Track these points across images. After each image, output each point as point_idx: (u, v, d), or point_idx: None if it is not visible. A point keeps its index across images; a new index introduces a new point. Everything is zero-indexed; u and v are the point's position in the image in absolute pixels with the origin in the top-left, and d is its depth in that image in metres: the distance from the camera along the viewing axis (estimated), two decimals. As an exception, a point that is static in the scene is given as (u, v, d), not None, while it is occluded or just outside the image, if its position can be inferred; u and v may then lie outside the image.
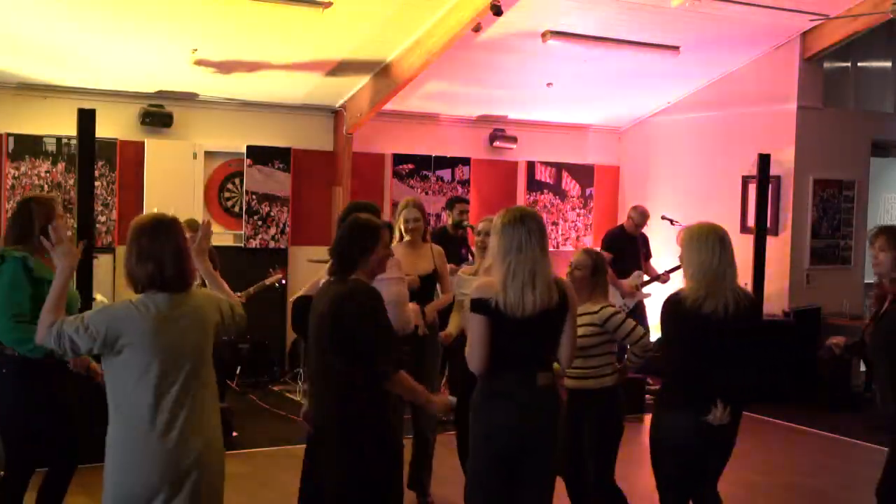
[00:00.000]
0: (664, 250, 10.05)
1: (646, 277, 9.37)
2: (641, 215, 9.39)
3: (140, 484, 3.21)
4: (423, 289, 5.54)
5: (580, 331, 4.50)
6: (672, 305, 4.15)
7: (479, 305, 3.68)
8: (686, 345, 4.12)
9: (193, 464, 3.25)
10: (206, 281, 3.74)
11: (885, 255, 4.42)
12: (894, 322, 4.36)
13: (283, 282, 8.11)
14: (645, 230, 9.66)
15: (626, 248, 9.21)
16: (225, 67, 8.47)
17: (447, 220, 8.37)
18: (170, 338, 3.26)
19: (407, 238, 5.58)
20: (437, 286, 5.82)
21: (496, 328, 3.66)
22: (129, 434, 3.24)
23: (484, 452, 3.77)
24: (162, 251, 3.29)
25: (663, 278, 9.39)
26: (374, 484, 3.75)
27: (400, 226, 5.59)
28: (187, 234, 3.50)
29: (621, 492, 4.81)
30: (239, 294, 7.72)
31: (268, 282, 7.97)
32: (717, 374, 4.08)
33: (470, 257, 7.47)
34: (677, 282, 9.56)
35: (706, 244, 4.09)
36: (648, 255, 9.63)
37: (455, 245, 7.71)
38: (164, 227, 3.36)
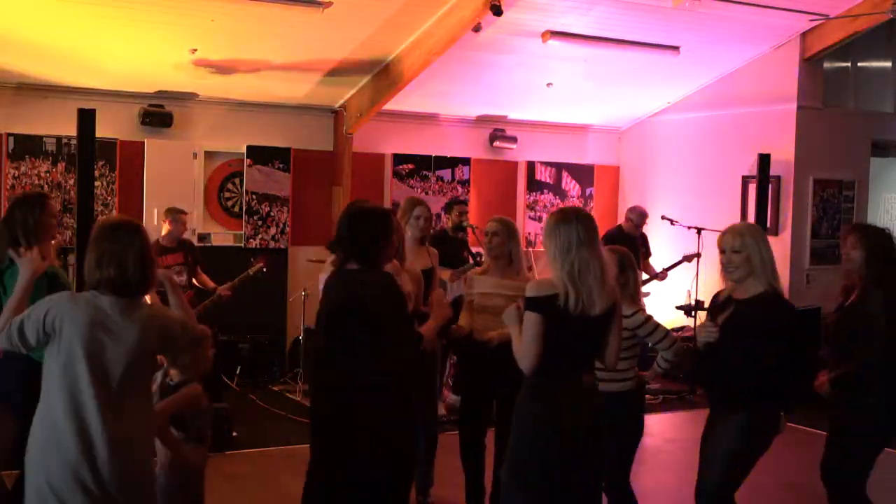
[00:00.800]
0: (664, 250, 10.06)
1: (644, 276, 9.37)
2: (640, 216, 9.40)
3: (48, 481, 3.17)
4: (425, 285, 5.52)
5: None
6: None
7: (536, 304, 3.64)
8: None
9: (103, 482, 3.14)
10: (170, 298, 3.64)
11: (858, 252, 4.62)
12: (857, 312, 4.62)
13: (265, 270, 8.07)
14: (644, 230, 9.67)
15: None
16: (225, 67, 8.47)
17: (446, 222, 8.38)
18: (101, 343, 3.17)
19: (415, 235, 5.58)
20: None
21: (553, 327, 3.62)
22: (45, 431, 3.19)
23: (530, 458, 3.71)
24: (125, 254, 3.22)
25: (661, 276, 9.40)
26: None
27: (410, 223, 5.57)
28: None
29: (634, 495, 4.79)
30: (223, 287, 7.75)
31: (251, 271, 7.93)
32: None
33: (470, 259, 7.46)
34: (679, 280, 9.61)
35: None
36: (648, 254, 9.64)
37: (455, 247, 7.70)
38: (127, 230, 3.31)
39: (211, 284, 7.82)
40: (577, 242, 3.64)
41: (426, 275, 5.52)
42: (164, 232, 7.71)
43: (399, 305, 3.95)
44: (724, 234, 4.14)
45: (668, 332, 4.72)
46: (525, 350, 3.66)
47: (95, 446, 3.12)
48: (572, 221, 3.68)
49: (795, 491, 6.45)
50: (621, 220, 10.11)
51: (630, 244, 9.21)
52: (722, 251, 4.13)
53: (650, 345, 4.75)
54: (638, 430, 4.78)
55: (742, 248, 4.02)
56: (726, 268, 4.11)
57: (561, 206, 11.07)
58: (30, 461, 3.22)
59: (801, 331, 4.05)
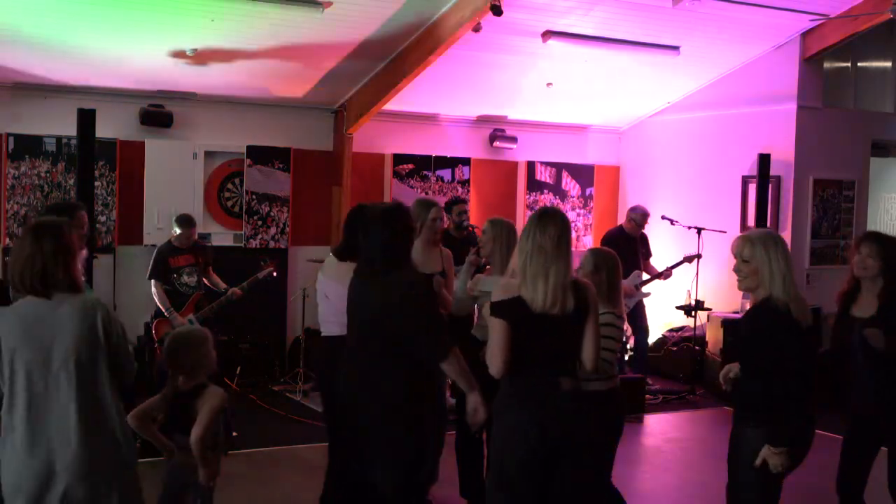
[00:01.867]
0: (664, 250, 10.06)
1: (645, 276, 9.37)
2: (642, 216, 9.39)
3: (9, 483, 3.26)
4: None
5: None
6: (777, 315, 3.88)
7: (497, 308, 3.68)
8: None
9: (53, 473, 3.24)
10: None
11: (874, 262, 4.63)
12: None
13: (274, 274, 8.10)
14: (646, 230, 9.67)
15: (625, 249, 9.21)
16: (224, 67, 8.47)
17: (447, 222, 8.36)
18: (36, 343, 3.26)
19: (429, 238, 5.58)
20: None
21: (516, 329, 3.64)
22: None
23: (507, 460, 3.71)
24: (41, 253, 3.31)
25: (665, 274, 9.39)
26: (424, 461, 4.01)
27: (427, 226, 5.57)
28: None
29: (619, 491, 4.81)
30: (234, 289, 7.76)
31: (260, 275, 7.96)
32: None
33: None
34: (679, 280, 9.61)
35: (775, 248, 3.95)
36: (648, 255, 9.64)
37: (460, 246, 7.70)
38: (47, 228, 3.40)
39: (223, 285, 7.84)
40: (531, 241, 3.68)
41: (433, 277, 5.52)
42: (175, 234, 7.72)
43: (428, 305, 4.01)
44: (738, 239, 4.04)
45: (612, 351, 4.66)
46: (492, 356, 3.68)
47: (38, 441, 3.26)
48: (535, 221, 3.73)
49: (798, 491, 6.46)
50: (621, 219, 10.12)
51: (630, 244, 9.24)
52: (735, 257, 4.04)
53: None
54: (619, 428, 4.77)
55: (751, 258, 3.89)
56: (737, 275, 4.01)
57: (561, 206, 11.08)
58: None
59: (802, 339, 3.86)
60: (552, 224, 3.71)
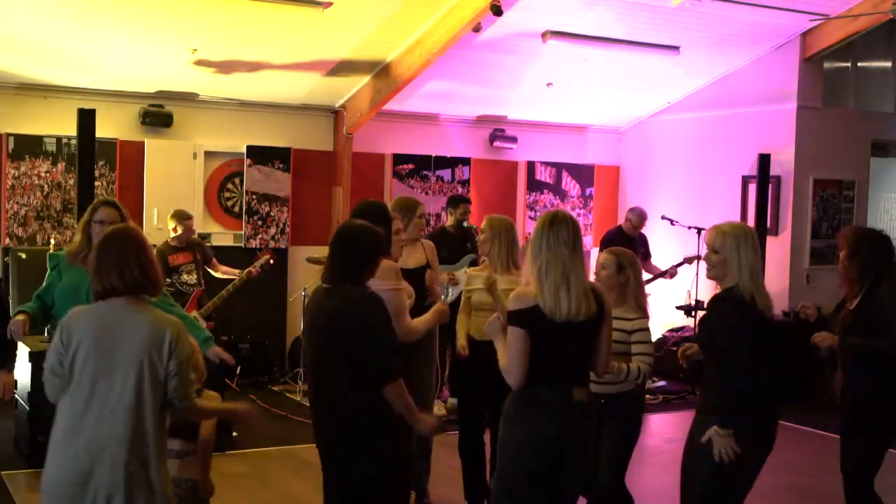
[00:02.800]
0: (664, 250, 10.05)
1: (646, 276, 9.36)
2: (639, 217, 9.40)
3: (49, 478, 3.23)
4: (418, 283, 5.52)
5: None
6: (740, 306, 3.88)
7: (518, 317, 3.60)
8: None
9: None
10: None
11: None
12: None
13: (272, 262, 8.05)
14: (645, 230, 9.67)
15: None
16: (225, 67, 8.47)
17: (447, 219, 8.37)
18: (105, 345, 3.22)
19: (415, 235, 5.59)
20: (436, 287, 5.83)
21: (537, 339, 3.58)
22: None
23: (516, 467, 3.67)
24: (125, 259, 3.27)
25: (671, 272, 9.38)
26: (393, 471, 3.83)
27: (413, 223, 5.57)
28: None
29: (631, 495, 4.79)
30: (251, 268, 7.72)
31: (256, 264, 7.92)
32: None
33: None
34: (679, 280, 9.61)
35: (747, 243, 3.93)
36: (647, 255, 9.63)
37: (455, 244, 7.71)
38: (118, 238, 3.35)
39: (234, 271, 7.82)
40: (546, 247, 3.61)
41: (421, 271, 5.53)
42: (173, 233, 7.71)
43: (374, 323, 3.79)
44: (710, 229, 4.06)
45: (651, 356, 4.67)
46: (511, 366, 3.62)
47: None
48: (546, 226, 3.66)
49: (797, 491, 6.46)
50: (621, 219, 10.12)
51: (629, 245, 9.22)
52: (707, 246, 4.06)
53: (632, 351, 4.63)
54: (636, 432, 4.76)
55: (721, 248, 3.90)
56: (707, 264, 4.02)
57: (561, 206, 11.09)
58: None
59: (768, 330, 3.86)
60: (564, 229, 3.65)
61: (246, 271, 7.68)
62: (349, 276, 3.81)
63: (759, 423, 3.87)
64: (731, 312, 3.83)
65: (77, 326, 3.22)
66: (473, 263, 5.61)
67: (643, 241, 9.61)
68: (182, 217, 7.72)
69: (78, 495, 3.11)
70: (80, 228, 4.50)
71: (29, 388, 6.34)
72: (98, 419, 3.14)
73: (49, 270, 4.56)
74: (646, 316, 4.72)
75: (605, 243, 9.32)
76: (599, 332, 3.71)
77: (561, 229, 3.64)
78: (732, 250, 3.87)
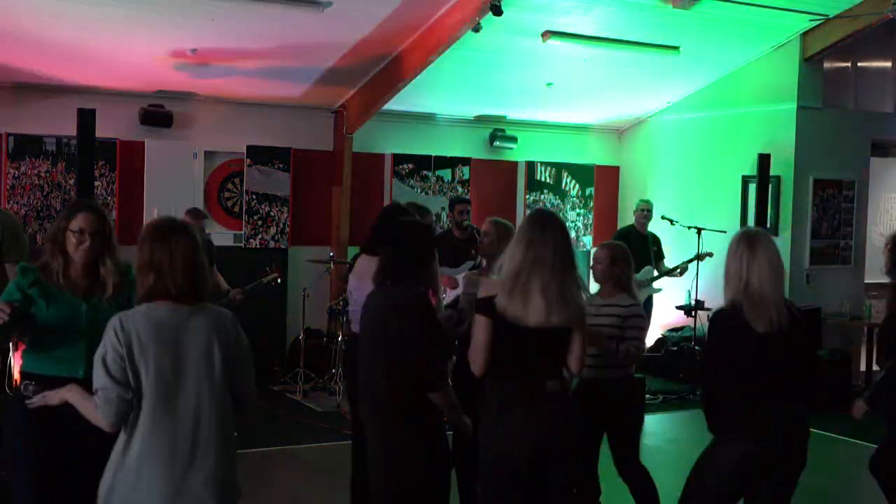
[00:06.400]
0: (664, 250, 10.05)
1: (655, 273, 9.36)
2: (641, 211, 9.37)
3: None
4: None
5: (604, 321, 4.61)
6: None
7: (482, 305, 3.58)
8: None
9: None
10: None
11: None
12: None
13: (279, 280, 8.09)
14: (654, 230, 9.62)
15: (637, 245, 9.17)
16: (225, 67, 8.46)
17: (448, 220, 8.38)
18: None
19: None
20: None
21: (500, 332, 3.54)
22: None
23: (495, 464, 3.65)
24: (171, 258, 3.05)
25: (682, 268, 9.37)
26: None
27: None
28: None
29: (648, 471, 4.88)
30: (236, 291, 7.73)
31: (264, 280, 7.95)
32: None
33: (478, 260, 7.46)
34: (679, 280, 9.61)
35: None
36: (660, 255, 9.56)
37: (456, 248, 7.69)
38: (186, 232, 3.13)
39: (224, 286, 7.80)
40: (528, 249, 3.54)
41: None
42: None
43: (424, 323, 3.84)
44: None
45: (642, 342, 4.81)
46: (473, 354, 3.60)
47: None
48: (534, 227, 3.60)
49: (795, 491, 6.45)
50: (621, 219, 10.13)
51: (642, 242, 9.21)
52: None
53: (626, 335, 4.73)
54: (641, 412, 4.94)
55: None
56: None
57: (561, 206, 11.09)
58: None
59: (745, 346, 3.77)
60: (551, 235, 3.57)
61: (233, 293, 7.57)
62: (402, 275, 3.85)
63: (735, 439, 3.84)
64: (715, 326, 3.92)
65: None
66: (474, 268, 5.60)
67: (656, 242, 9.59)
68: (196, 216, 7.69)
69: None
70: (49, 236, 3.57)
71: None
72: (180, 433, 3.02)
73: (16, 287, 3.49)
74: (636, 301, 4.84)
75: (619, 238, 9.32)
76: (573, 336, 3.63)
77: (548, 235, 3.57)
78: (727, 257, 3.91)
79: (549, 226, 3.61)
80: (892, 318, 4.72)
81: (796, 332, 3.76)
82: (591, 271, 4.97)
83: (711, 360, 3.93)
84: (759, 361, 3.73)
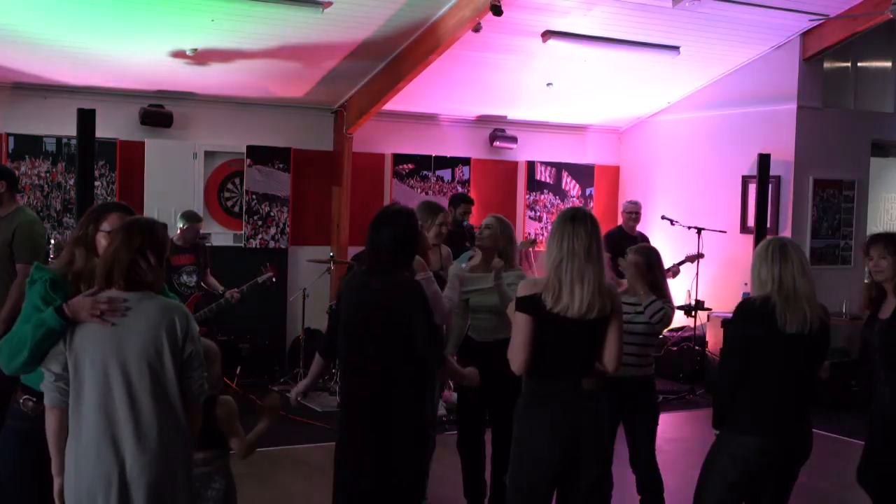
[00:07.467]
0: (664, 250, 10.03)
1: None
2: (629, 213, 9.35)
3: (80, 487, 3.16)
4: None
5: (626, 318, 4.59)
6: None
7: (524, 304, 3.63)
8: None
9: None
10: None
11: (887, 261, 4.55)
12: None
13: (274, 280, 8.10)
14: (646, 231, 9.64)
15: (626, 247, 9.18)
16: (225, 68, 8.47)
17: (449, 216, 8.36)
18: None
19: (433, 241, 5.60)
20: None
21: (542, 329, 3.60)
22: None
23: (529, 461, 3.70)
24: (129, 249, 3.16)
25: (674, 270, 9.39)
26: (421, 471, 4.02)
27: (433, 229, 5.58)
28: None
29: (659, 471, 5.02)
30: (232, 290, 7.74)
31: (260, 280, 7.95)
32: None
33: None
34: (679, 280, 9.61)
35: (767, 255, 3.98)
36: None
37: (459, 240, 7.72)
38: (138, 226, 3.24)
39: (220, 288, 7.83)
40: (565, 244, 3.63)
41: (436, 277, 5.53)
42: (178, 232, 7.72)
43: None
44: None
45: (664, 314, 4.96)
46: (514, 352, 3.66)
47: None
48: (567, 222, 3.68)
49: (795, 491, 6.45)
50: (622, 220, 10.11)
51: (631, 243, 9.21)
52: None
53: (654, 324, 4.95)
54: (658, 411, 5.06)
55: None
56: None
57: (561, 206, 11.10)
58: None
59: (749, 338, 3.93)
60: (582, 226, 3.66)
61: (230, 293, 7.65)
62: (390, 261, 3.92)
63: (741, 432, 3.96)
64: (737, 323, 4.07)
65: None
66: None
67: (644, 241, 9.58)
68: (192, 218, 7.74)
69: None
70: (75, 240, 3.43)
71: None
72: (122, 421, 3.10)
73: (37, 295, 3.27)
74: (669, 300, 5.08)
75: (607, 243, 9.30)
76: (610, 329, 3.70)
77: (579, 227, 3.66)
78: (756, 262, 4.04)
79: (578, 217, 3.70)
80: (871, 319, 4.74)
81: (822, 338, 3.95)
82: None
83: (731, 357, 4.01)
84: (785, 362, 3.88)
